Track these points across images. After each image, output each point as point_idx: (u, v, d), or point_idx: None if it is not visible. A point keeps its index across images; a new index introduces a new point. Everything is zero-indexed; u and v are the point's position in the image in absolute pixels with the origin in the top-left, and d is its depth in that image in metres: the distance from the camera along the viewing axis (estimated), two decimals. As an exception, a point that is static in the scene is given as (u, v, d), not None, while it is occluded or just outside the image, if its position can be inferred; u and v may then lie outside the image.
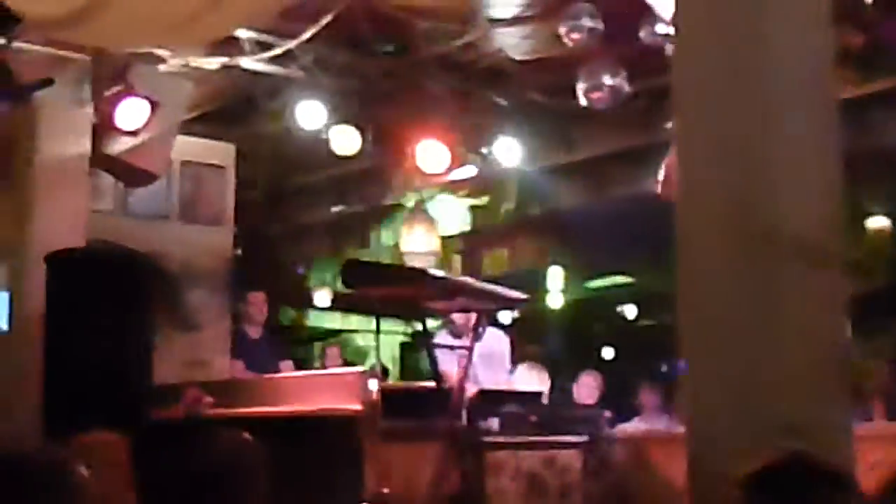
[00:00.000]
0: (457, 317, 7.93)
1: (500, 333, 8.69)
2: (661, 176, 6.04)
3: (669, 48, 7.43)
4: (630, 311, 15.17)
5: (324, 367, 10.47)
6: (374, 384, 6.48)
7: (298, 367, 9.71)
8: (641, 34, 7.73)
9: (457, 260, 12.07)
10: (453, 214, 10.89)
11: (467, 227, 11.49)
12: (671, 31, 7.36)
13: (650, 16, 7.64)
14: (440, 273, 7.03)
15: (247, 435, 4.27)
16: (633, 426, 9.31)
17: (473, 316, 7.34)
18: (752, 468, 2.65)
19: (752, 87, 4.06)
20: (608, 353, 15.35)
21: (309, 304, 13.03)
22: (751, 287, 3.90)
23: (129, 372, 6.68)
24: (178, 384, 7.68)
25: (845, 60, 7.83)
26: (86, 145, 7.88)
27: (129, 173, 7.99)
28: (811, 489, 2.59)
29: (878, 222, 10.11)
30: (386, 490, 6.38)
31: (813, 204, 4.00)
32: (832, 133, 4.19)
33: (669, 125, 6.76)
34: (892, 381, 8.69)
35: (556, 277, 13.71)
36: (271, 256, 12.30)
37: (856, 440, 3.99)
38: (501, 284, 7.58)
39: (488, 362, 7.86)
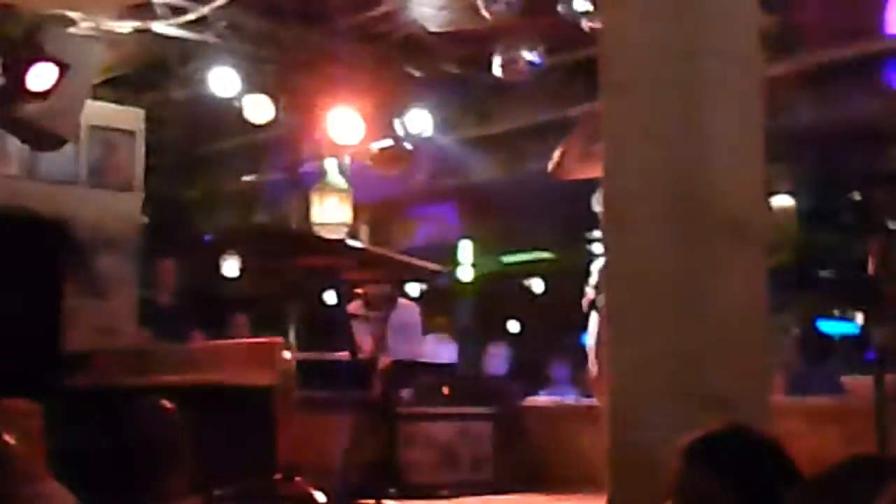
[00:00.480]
0: (371, 287, 7.91)
1: (411, 304, 8.69)
2: (556, 155, 6.05)
3: (586, 22, 7.49)
4: (537, 285, 15.25)
5: (232, 336, 10.37)
6: (287, 354, 6.45)
7: (211, 336, 9.60)
8: (559, 8, 7.75)
9: (365, 230, 12.03)
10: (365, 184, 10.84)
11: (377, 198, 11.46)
12: (588, 6, 7.42)
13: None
14: (357, 243, 7.01)
15: (166, 402, 4.23)
16: (543, 398, 9.37)
17: (387, 287, 7.35)
18: (690, 438, 2.67)
19: (680, 64, 4.09)
20: (515, 326, 15.41)
21: (217, 272, 12.92)
22: (678, 263, 3.94)
23: (38, 338, 6.55)
24: (88, 351, 7.58)
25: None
26: (-9, 107, 7.71)
27: (38, 136, 7.83)
28: (751, 458, 2.62)
29: (782, 201, 10.28)
30: (299, 461, 6.36)
31: (738, 181, 4.05)
32: (758, 110, 4.24)
33: (584, 105, 6.81)
34: (795, 356, 8.85)
35: (466, 250, 13.74)
36: (181, 224, 12.16)
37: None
38: (411, 256, 7.58)
39: (402, 333, 7.85)
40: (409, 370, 7.58)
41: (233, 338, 10.27)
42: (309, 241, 7.03)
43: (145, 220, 10.05)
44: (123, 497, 3.81)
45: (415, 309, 8.60)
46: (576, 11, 7.52)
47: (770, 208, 10.00)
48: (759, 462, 2.59)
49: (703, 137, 3.96)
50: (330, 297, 7.37)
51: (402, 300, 8.42)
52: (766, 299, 4.06)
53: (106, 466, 4.10)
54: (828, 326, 10.94)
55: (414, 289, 13.42)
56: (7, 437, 3.58)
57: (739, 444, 2.68)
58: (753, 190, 4.04)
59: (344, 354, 6.82)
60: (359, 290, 7.60)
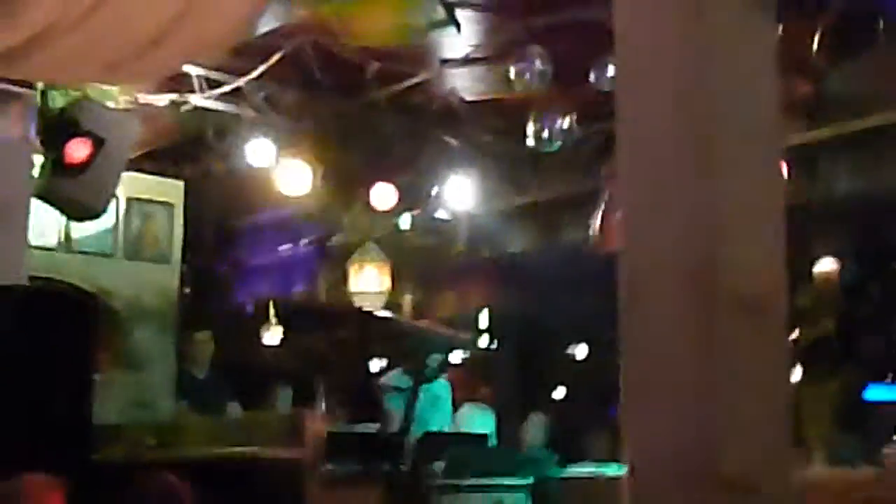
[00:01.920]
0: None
1: (442, 379, 8.66)
2: (595, 226, 6.01)
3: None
4: (581, 351, 15.15)
5: (273, 408, 10.39)
6: (317, 426, 6.43)
7: (251, 406, 9.62)
8: (591, 77, 7.76)
9: (407, 301, 12.01)
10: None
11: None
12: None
13: (600, 59, 7.68)
14: (385, 314, 7.00)
15: (174, 479, 4.22)
16: (582, 469, 9.25)
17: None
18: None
19: (698, 136, 4.05)
20: (559, 394, 15.29)
21: (259, 343, 12.94)
22: (692, 339, 3.87)
23: (68, 412, 6.57)
24: (122, 425, 7.59)
25: (793, 109, 7.89)
26: (29, 180, 7.79)
27: (74, 208, 7.90)
28: None
29: (825, 266, 10.15)
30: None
31: (757, 255, 3.99)
32: (778, 183, 4.19)
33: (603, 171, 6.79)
34: (838, 427, 8.71)
35: (507, 320, 13.69)
36: (220, 295, 12.21)
37: (801, 489, 3.97)
38: (453, 326, 7.56)
39: (434, 405, 7.81)
40: (441, 442, 7.52)
41: (276, 409, 10.31)
42: (338, 312, 7.04)
43: (185, 291, 10.11)
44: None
45: (445, 383, 8.57)
46: (607, 80, 7.52)
47: (811, 279, 9.90)
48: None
49: (718, 210, 3.90)
50: (361, 368, 7.37)
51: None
52: (788, 376, 3.98)
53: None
54: (874, 394, 10.78)
55: (455, 357, 13.39)
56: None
57: None
58: (772, 266, 3.96)
59: (374, 426, 6.81)
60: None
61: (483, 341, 13.47)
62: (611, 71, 7.58)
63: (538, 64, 7.79)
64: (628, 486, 4.05)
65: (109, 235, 9.05)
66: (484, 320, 13.32)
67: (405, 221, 9.76)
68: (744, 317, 3.81)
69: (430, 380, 8.15)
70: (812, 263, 9.58)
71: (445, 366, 9.76)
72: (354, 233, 10.43)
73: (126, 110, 8.05)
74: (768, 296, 3.91)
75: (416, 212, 9.75)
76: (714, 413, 3.77)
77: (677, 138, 4.10)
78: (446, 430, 8.24)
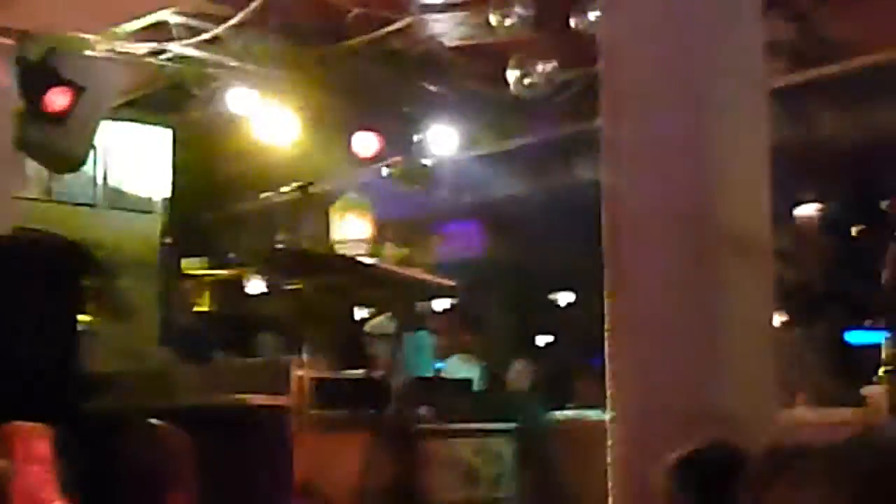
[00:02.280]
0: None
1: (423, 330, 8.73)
2: None
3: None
4: (566, 298, 15.19)
5: (258, 356, 10.41)
6: (301, 373, 6.44)
7: (236, 356, 9.63)
8: (573, 21, 7.73)
9: (390, 248, 11.99)
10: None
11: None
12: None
13: (582, 3, 7.65)
14: (370, 261, 7.00)
15: (173, 427, 4.23)
16: (567, 414, 9.30)
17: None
18: (675, 456, 2.64)
19: (683, 79, 4.05)
20: (543, 340, 15.34)
21: (243, 292, 12.93)
22: (681, 276, 3.90)
23: (56, 361, 6.56)
24: (107, 373, 7.59)
25: (778, 50, 7.87)
26: (10, 130, 7.73)
27: (55, 159, 7.86)
28: (730, 475, 2.58)
29: (807, 210, 10.19)
30: (316, 480, 6.34)
31: (744, 194, 4.01)
32: (763, 125, 4.20)
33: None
34: (821, 369, 8.75)
35: (492, 267, 13.70)
36: (203, 244, 12.18)
37: (780, 427, 4.01)
38: (437, 273, 7.56)
39: (420, 350, 7.83)
40: (427, 387, 7.54)
41: (258, 357, 10.32)
42: (324, 259, 7.02)
43: (168, 240, 10.08)
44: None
45: (427, 335, 8.60)
46: (588, 24, 7.50)
47: (792, 220, 9.93)
48: (739, 477, 2.55)
49: (705, 152, 3.92)
50: (346, 315, 7.37)
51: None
52: (772, 313, 4.01)
53: (110, 489, 4.11)
54: (856, 337, 10.83)
55: (439, 305, 13.41)
56: (4, 462, 3.59)
57: (719, 460, 2.65)
58: (757, 204, 3.99)
59: (360, 372, 6.82)
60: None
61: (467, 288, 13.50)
62: (592, 15, 7.56)
63: (519, 8, 7.75)
64: (610, 424, 4.09)
65: (92, 185, 9.01)
66: (468, 267, 13.34)
67: (388, 168, 9.74)
68: (731, 255, 3.84)
69: (414, 326, 8.18)
70: (795, 206, 9.62)
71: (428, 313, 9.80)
72: (336, 180, 10.40)
73: (106, 59, 7.99)
74: (754, 235, 3.93)
75: (398, 158, 9.72)
76: (700, 351, 3.80)
77: (662, 80, 4.10)
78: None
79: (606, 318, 4.02)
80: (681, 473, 2.63)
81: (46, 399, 6.04)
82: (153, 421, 4.25)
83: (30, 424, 4.70)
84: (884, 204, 9.54)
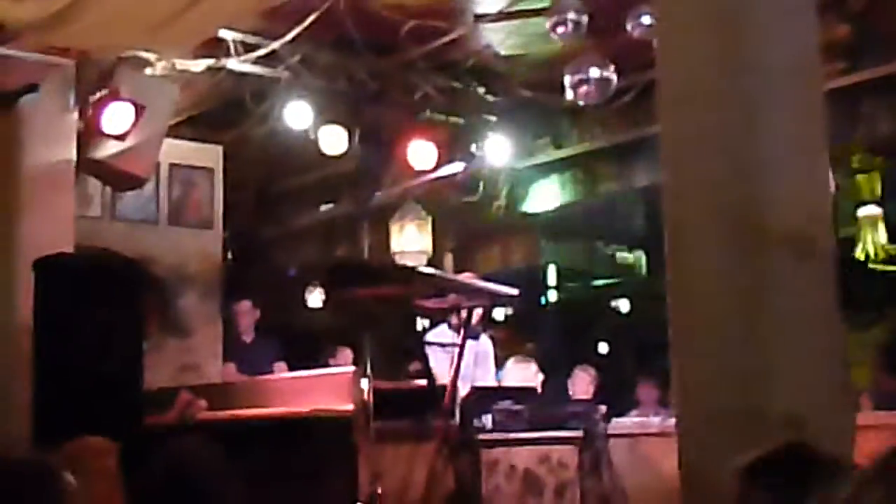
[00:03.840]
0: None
1: (484, 335, 8.71)
2: None
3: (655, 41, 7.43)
4: (624, 305, 15.15)
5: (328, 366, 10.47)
6: (365, 384, 6.45)
7: (299, 367, 9.70)
8: (628, 27, 7.71)
9: (448, 258, 12.03)
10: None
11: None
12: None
13: (636, 9, 7.63)
14: (429, 270, 7.01)
15: (206, 442, 4.25)
16: (630, 421, 9.27)
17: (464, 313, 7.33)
18: (747, 459, 2.62)
19: (738, 79, 4.03)
20: (604, 348, 15.31)
21: (304, 305, 13.01)
22: (741, 280, 3.88)
23: (118, 377, 6.63)
24: (170, 388, 7.66)
25: (833, 50, 7.82)
26: (72, 150, 7.83)
27: (117, 178, 7.95)
28: (807, 478, 2.56)
29: (869, 211, 10.08)
30: (380, 490, 6.35)
31: (801, 195, 3.98)
32: (819, 123, 4.17)
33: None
34: (880, 372, 8.66)
35: (550, 275, 13.71)
36: (263, 259, 12.26)
37: (857, 430, 3.97)
38: (495, 282, 7.56)
39: (480, 360, 7.83)
40: (489, 396, 7.54)
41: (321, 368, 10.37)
42: (383, 270, 7.05)
43: (227, 256, 10.16)
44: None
45: (489, 340, 8.61)
46: (643, 29, 7.48)
47: (856, 219, 9.84)
48: (817, 480, 2.53)
49: (761, 151, 3.89)
50: (408, 325, 7.39)
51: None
52: (837, 314, 3.97)
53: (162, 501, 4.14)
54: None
55: (499, 314, 13.42)
56: (69, 477, 3.62)
57: (797, 463, 2.62)
58: (817, 204, 3.96)
59: (422, 383, 6.83)
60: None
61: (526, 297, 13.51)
62: (646, 19, 7.54)
63: (573, 15, 7.74)
64: (678, 429, 4.07)
65: (152, 203, 9.10)
66: (550, 277, 13.37)
67: (446, 179, 9.75)
68: (790, 257, 3.81)
69: (475, 335, 8.18)
70: (857, 207, 9.52)
71: (489, 321, 9.80)
72: (394, 192, 10.44)
73: (164, 76, 8.07)
74: (814, 235, 3.90)
75: (455, 169, 9.73)
76: (763, 354, 3.77)
77: (718, 81, 4.09)
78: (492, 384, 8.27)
79: (669, 323, 4.00)
80: (754, 474, 2.61)
81: (112, 415, 6.13)
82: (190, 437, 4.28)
83: (97, 439, 4.76)
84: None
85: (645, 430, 8.43)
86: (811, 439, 3.29)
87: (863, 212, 9.71)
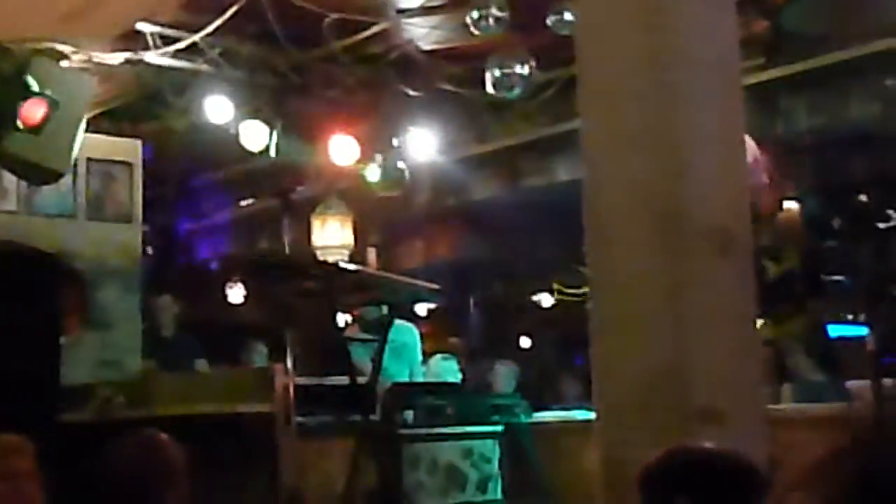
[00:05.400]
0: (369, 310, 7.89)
1: (409, 325, 8.67)
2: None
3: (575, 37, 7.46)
4: (546, 299, 15.20)
5: (245, 363, 10.40)
6: (285, 380, 6.42)
7: (220, 362, 9.61)
8: (549, 22, 7.73)
9: (372, 253, 12.00)
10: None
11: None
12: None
13: (558, 4, 7.66)
14: (352, 266, 6.99)
15: (163, 435, 4.20)
16: (551, 415, 9.30)
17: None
18: (644, 466, 2.62)
19: (659, 74, 4.05)
20: (526, 342, 15.36)
21: (224, 300, 12.91)
22: (661, 275, 3.90)
23: (35, 373, 6.54)
24: (89, 384, 7.56)
25: (752, 46, 7.89)
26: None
27: (32, 171, 7.82)
28: (706, 478, 2.56)
29: (786, 206, 10.21)
30: (302, 487, 6.33)
31: (720, 190, 4.01)
32: (739, 119, 4.20)
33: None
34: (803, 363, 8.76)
35: (473, 270, 13.71)
36: (183, 253, 12.16)
37: (770, 423, 4.01)
38: (417, 277, 7.55)
39: (400, 355, 7.81)
40: (411, 391, 7.53)
41: (246, 365, 10.30)
42: (305, 265, 7.01)
43: (147, 250, 10.05)
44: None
45: (413, 330, 8.58)
46: (565, 24, 7.50)
47: (775, 216, 9.95)
48: (714, 480, 2.53)
49: (681, 147, 3.92)
50: (328, 321, 7.35)
51: (399, 321, 8.39)
52: (755, 308, 4.01)
53: (95, 499, 4.08)
54: (837, 331, 10.84)
55: (422, 308, 13.41)
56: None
57: (692, 466, 2.62)
58: (735, 199, 3.99)
59: (343, 378, 6.81)
60: (356, 314, 7.58)
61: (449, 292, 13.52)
62: (568, 15, 7.56)
63: (495, 10, 7.75)
64: (596, 423, 4.08)
65: (70, 196, 8.96)
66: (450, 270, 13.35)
67: (371, 173, 9.71)
68: (710, 252, 3.84)
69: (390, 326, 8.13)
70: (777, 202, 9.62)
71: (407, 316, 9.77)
72: (316, 186, 10.38)
73: (80, 69, 7.95)
74: (734, 230, 3.94)
75: (377, 163, 9.70)
76: (684, 347, 3.80)
77: (639, 76, 4.10)
78: (415, 379, 8.25)
79: (590, 317, 4.02)
80: (653, 483, 2.60)
81: (28, 410, 6.03)
82: (147, 429, 4.22)
83: (10, 437, 4.66)
84: (862, 197, 9.58)
85: (567, 424, 8.47)
86: (728, 434, 3.32)
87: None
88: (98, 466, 4.13)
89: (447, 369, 9.30)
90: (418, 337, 8.59)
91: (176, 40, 8.19)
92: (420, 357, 8.68)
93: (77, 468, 4.28)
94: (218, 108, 8.90)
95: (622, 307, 3.97)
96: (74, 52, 7.85)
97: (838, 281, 9.95)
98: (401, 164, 9.77)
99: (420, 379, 8.64)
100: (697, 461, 2.64)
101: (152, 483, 4.09)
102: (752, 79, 7.78)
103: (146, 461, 4.14)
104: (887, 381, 5.29)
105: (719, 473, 2.59)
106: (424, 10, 8.25)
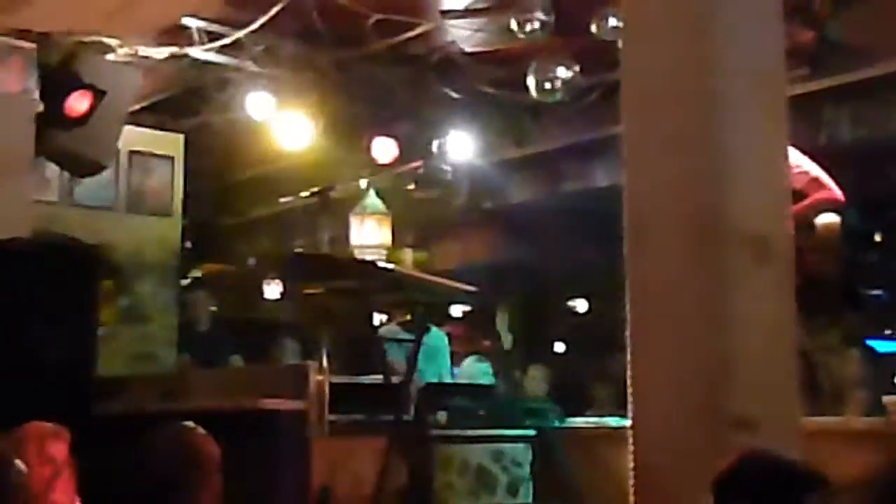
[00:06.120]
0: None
1: (439, 330, 8.69)
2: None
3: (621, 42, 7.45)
4: (581, 305, 15.16)
5: (278, 360, 10.43)
6: (319, 378, 6.43)
7: (254, 359, 9.66)
8: (593, 28, 7.72)
9: (408, 253, 12.00)
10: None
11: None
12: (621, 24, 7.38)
13: (602, 9, 7.65)
14: (387, 265, 6.99)
15: (198, 428, 4.22)
16: (583, 420, 9.28)
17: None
18: (717, 470, 2.61)
19: (702, 82, 4.04)
20: (560, 347, 15.32)
21: (261, 296, 12.95)
22: (699, 280, 3.89)
23: (72, 364, 6.58)
24: (123, 376, 7.61)
25: (797, 56, 7.86)
26: (31, 134, 7.75)
27: (75, 163, 7.88)
28: (780, 489, 2.55)
29: (827, 217, 10.12)
30: (333, 485, 6.33)
31: (761, 198, 3.99)
32: (782, 128, 4.18)
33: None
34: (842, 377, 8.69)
35: (509, 272, 13.69)
36: (222, 248, 12.20)
37: (806, 435, 3.98)
38: (453, 278, 7.53)
39: (430, 357, 7.82)
40: (444, 392, 7.53)
41: (278, 361, 10.34)
42: (342, 263, 7.01)
43: (186, 244, 10.10)
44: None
45: (443, 335, 8.59)
46: (608, 30, 7.49)
47: (813, 227, 9.89)
48: (791, 490, 2.52)
49: (723, 154, 3.90)
50: (364, 320, 7.37)
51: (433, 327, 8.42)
52: (793, 317, 3.99)
53: (129, 490, 4.10)
54: (877, 346, 10.77)
55: (456, 310, 13.40)
56: (20, 464, 3.58)
57: (768, 473, 2.61)
58: (776, 207, 3.97)
59: (377, 377, 6.81)
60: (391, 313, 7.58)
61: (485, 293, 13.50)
62: (612, 21, 7.55)
63: (539, 14, 7.74)
64: (632, 429, 4.07)
65: (111, 189, 9.02)
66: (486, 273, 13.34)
67: (410, 174, 9.72)
68: (749, 258, 3.82)
69: (426, 329, 8.14)
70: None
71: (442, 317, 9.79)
72: (355, 185, 10.40)
73: (126, 63, 8.01)
74: (773, 237, 3.92)
75: (417, 164, 9.71)
76: (719, 353, 3.78)
77: (681, 83, 4.09)
78: (447, 381, 8.25)
79: (627, 323, 4.01)
80: (728, 488, 2.59)
81: (63, 401, 6.06)
82: (181, 422, 4.23)
83: (46, 425, 4.69)
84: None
85: (599, 430, 8.44)
86: (762, 442, 3.30)
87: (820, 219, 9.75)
88: (131, 458, 4.15)
89: (481, 371, 9.29)
90: (447, 341, 8.60)
91: (220, 36, 8.24)
92: (449, 361, 8.69)
93: (110, 460, 4.30)
94: (259, 105, 8.94)
95: (658, 313, 3.95)
96: (120, 46, 7.91)
97: (877, 295, 9.88)
98: (441, 166, 9.76)
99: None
100: (767, 468, 2.64)
101: (185, 476, 4.11)
102: (797, 89, 7.74)
103: (180, 454, 4.15)
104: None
105: (789, 482, 2.58)
106: (468, 13, 8.26)
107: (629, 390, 4.04)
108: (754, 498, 2.59)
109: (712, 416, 3.66)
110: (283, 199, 9.12)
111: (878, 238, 9.21)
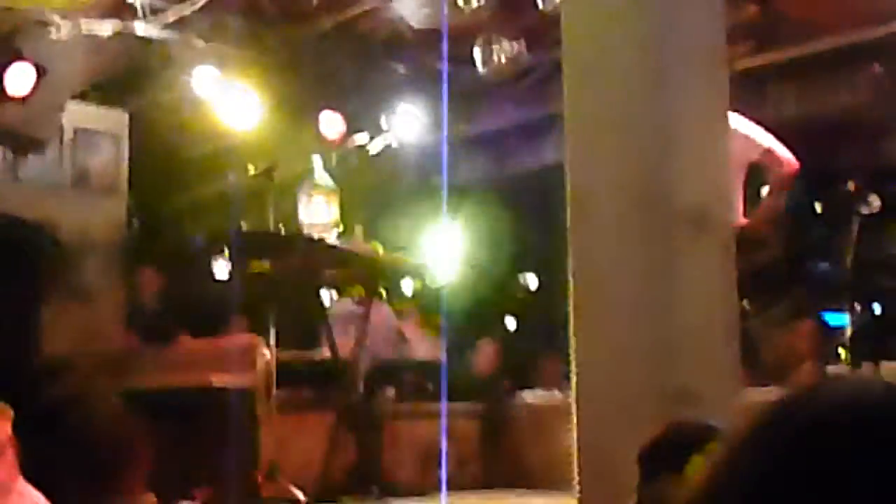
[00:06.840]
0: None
1: (386, 306, 8.71)
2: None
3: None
4: (532, 281, 15.19)
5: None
6: (267, 355, 6.43)
7: (202, 336, 9.60)
8: (539, 2, 7.73)
9: (359, 230, 11.97)
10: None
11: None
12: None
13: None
14: (335, 242, 6.99)
15: (125, 407, 4.20)
16: (532, 395, 9.33)
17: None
18: (643, 445, 2.63)
19: (644, 56, 4.05)
20: (510, 322, 15.34)
21: (208, 274, 12.86)
22: (640, 253, 3.91)
23: (16, 342, 6.54)
24: (68, 355, 7.55)
25: (742, 31, 7.90)
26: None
27: (17, 140, 7.81)
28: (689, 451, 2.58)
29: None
30: (281, 461, 6.34)
31: (703, 172, 4.02)
32: (723, 102, 4.21)
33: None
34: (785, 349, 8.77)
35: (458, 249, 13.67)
36: (168, 226, 12.11)
37: (747, 406, 4.02)
38: (403, 255, 7.55)
39: (380, 333, 7.82)
40: (392, 368, 7.55)
41: (227, 339, 10.28)
42: (290, 241, 7.01)
43: (133, 222, 10.02)
44: (82, 498, 3.79)
45: (390, 311, 8.61)
46: (555, 5, 7.49)
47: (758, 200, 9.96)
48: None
49: (665, 128, 3.92)
50: (312, 297, 7.36)
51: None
52: (734, 289, 4.02)
53: (63, 468, 4.08)
54: (832, 319, 10.85)
55: (407, 286, 13.39)
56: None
57: (685, 441, 2.63)
58: (717, 181, 4.00)
59: (325, 354, 6.82)
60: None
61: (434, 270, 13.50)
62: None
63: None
64: (575, 404, 4.09)
65: (56, 166, 8.93)
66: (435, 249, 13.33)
67: (358, 150, 9.71)
68: (691, 232, 3.85)
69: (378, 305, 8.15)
70: (759, 189, 9.63)
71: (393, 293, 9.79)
72: (302, 162, 10.35)
73: (69, 40, 7.92)
74: (715, 211, 3.95)
75: (365, 141, 9.70)
76: (662, 329, 3.81)
77: (624, 57, 4.11)
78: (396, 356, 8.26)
79: (571, 299, 4.03)
80: (649, 459, 2.62)
81: (7, 380, 6.02)
82: (109, 401, 4.22)
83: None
84: (848, 184, 9.60)
85: (547, 404, 8.49)
86: (703, 415, 3.32)
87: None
88: (66, 438, 4.14)
89: (430, 347, 9.30)
90: (394, 317, 8.62)
91: (165, 12, 8.17)
92: (396, 336, 8.70)
93: (51, 439, 4.28)
94: (206, 82, 8.87)
95: (601, 288, 3.98)
96: (63, 22, 7.82)
97: (822, 269, 9.96)
98: (387, 143, 9.76)
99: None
100: (690, 436, 2.66)
101: (114, 456, 4.10)
102: (742, 64, 7.78)
103: (109, 433, 4.14)
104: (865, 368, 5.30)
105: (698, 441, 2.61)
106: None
107: (572, 365, 4.06)
108: (675, 466, 2.62)
109: (654, 390, 3.69)
110: (230, 177, 9.11)
111: (819, 210, 9.29)
